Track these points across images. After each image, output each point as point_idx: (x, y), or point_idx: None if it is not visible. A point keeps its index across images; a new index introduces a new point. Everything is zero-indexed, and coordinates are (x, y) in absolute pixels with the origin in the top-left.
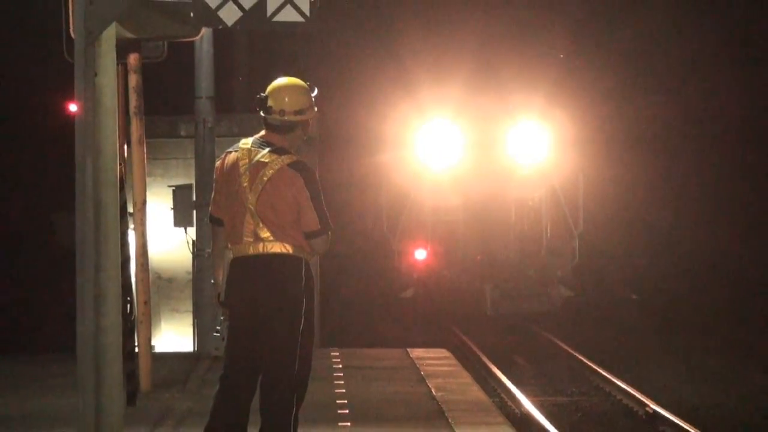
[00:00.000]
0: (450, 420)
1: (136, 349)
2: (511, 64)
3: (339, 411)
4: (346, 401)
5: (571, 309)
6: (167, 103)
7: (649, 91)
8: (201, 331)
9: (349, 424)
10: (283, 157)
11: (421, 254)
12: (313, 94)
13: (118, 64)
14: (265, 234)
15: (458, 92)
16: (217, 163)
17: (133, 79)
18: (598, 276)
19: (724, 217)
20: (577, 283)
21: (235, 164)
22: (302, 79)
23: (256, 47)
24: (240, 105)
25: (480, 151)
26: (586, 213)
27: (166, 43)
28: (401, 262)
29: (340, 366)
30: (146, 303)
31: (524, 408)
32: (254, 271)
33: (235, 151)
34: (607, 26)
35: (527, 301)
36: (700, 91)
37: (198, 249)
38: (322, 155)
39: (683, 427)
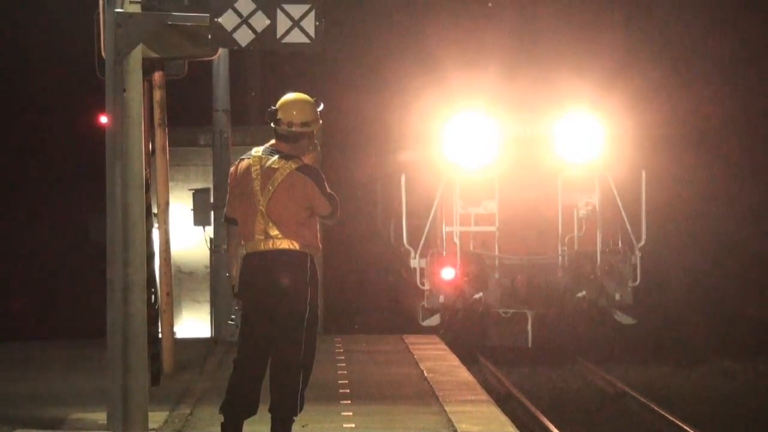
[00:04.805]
0: (440, 398)
1: (160, 335)
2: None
3: (341, 390)
4: (347, 381)
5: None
6: (188, 116)
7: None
8: (218, 319)
9: (349, 402)
10: (290, 162)
11: (448, 273)
12: (319, 109)
13: (143, 81)
14: (275, 232)
15: (493, 79)
16: (232, 169)
17: (158, 94)
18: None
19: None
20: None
21: (247, 170)
22: (309, 94)
23: (267, 65)
24: (253, 117)
25: (521, 148)
26: (649, 222)
27: (186, 62)
28: (424, 283)
29: (342, 350)
30: (169, 294)
31: (506, 387)
32: (264, 265)
33: (248, 158)
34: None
35: (577, 332)
36: None
37: (215, 246)
38: (330, 155)
39: (645, 402)
